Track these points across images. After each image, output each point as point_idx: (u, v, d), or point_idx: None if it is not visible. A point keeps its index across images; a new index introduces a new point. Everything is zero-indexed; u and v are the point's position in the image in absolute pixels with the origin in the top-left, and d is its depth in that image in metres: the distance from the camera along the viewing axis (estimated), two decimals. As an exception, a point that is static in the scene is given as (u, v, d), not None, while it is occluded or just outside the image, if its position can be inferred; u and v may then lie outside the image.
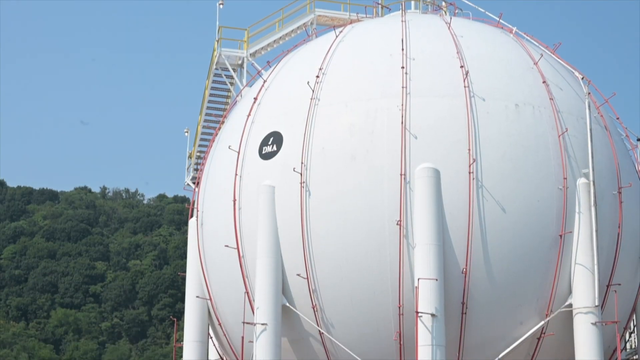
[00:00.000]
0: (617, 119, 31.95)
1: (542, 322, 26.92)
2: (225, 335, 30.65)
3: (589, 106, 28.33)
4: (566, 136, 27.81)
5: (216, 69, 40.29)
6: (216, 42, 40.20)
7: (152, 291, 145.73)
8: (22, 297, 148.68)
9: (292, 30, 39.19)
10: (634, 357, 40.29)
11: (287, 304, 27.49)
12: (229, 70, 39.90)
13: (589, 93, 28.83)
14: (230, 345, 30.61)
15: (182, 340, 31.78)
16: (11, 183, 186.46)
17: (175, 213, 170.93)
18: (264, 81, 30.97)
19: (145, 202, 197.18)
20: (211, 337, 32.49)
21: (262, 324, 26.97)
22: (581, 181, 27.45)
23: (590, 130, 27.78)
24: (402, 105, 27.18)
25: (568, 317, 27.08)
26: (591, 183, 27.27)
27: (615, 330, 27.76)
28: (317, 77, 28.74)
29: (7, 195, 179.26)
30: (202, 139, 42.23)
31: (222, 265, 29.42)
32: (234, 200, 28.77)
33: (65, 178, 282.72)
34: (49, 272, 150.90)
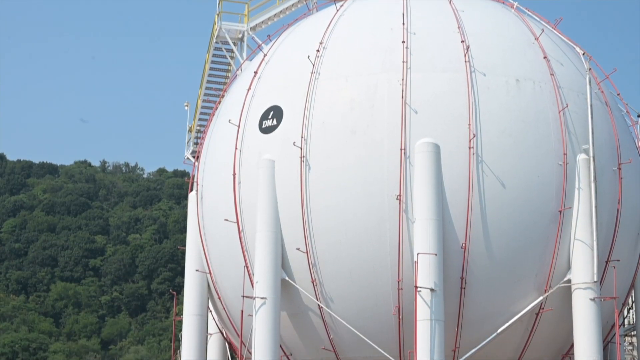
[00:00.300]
0: (618, 95, 31.92)
1: (541, 298, 26.98)
2: (224, 309, 30.74)
3: (590, 82, 28.27)
4: (566, 112, 27.78)
5: (216, 42, 40.15)
6: (216, 16, 40.04)
7: (152, 265, 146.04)
8: (22, 270, 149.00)
9: (292, 4, 38.99)
10: (632, 333, 40.44)
11: (287, 278, 27.55)
12: (229, 44, 39.76)
13: (590, 69, 28.77)
14: (229, 319, 30.69)
15: (182, 314, 31.88)
16: (11, 157, 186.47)
17: (175, 187, 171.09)
18: (264, 55, 30.90)
19: (145, 176, 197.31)
20: (210, 311, 32.60)
21: (262, 298, 27.03)
22: (581, 157, 27.44)
23: (591, 106, 27.73)
24: (403, 79, 27.13)
25: (567, 293, 27.15)
26: (591, 159, 27.26)
27: (614, 306, 27.81)
28: (318, 51, 28.66)
29: (7, 169, 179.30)
30: (202, 113, 42.15)
31: (222, 239, 29.46)
32: (234, 174, 28.77)
33: (65, 152, 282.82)
34: (49, 246, 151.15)
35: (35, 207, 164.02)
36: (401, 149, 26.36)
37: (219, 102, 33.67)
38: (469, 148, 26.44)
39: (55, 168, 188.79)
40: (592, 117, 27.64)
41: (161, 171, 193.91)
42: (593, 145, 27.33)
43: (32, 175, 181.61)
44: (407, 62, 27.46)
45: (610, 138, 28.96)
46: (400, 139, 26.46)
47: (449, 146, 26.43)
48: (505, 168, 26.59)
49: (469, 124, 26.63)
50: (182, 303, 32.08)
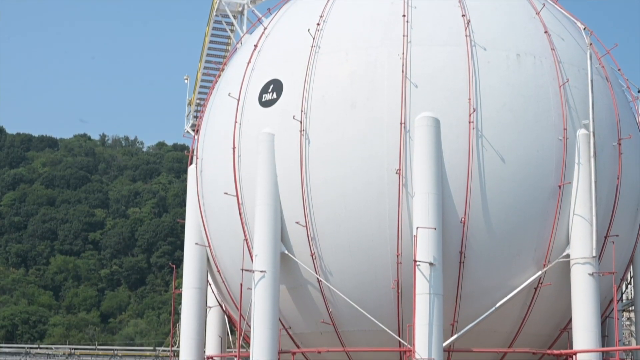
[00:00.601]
0: (619, 70, 31.86)
1: (540, 272, 27.03)
2: (224, 282, 30.80)
3: (591, 57, 28.20)
4: (567, 87, 27.73)
5: (216, 15, 40.02)
6: (217, -11, 39.85)
7: (151, 239, 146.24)
8: (22, 243, 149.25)
9: (293, -22, 38.79)
10: (630, 309, 40.56)
11: (286, 252, 27.58)
12: (229, 17, 39.63)
13: (591, 44, 28.68)
14: (228, 292, 30.76)
15: (181, 287, 31.94)
16: (10, 130, 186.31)
17: (175, 161, 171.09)
18: (265, 28, 30.78)
19: (144, 149, 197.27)
20: (210, 284, 32.66)
21: (261, 271, 27.07)
22: (581, 132, 27.42)
23: (591, 81, 27.69)
24: (403, 53, 27.05)
25: (565, 268, 27.21)
26: (591, 134, 27.24)
27: (612, 281, 27.87)
28: (318, 24, 28.56)
29: (7, 142, 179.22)
30: (202, 86, 42.05)
31: (221, 213, 29.48)
32: (234, 148, 28.74)
33: (64, 125, 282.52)
34: (49, 219, 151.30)
35: (35, 180, 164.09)
36: (401, 123, 26.33)
37: (219, 76, 33.60)
38: (469, 122, 26.41)
39: (54, 141, 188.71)
40: (592, 92, 27.60)
41: (161, 145, 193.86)
42: (593, 121, 27.30)
43: (31, 149, 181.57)
44: (407, 36, 27.37)
45: (610, 113, 28.93)
46: (400, 113, 26.42)
47: (449, 120, 26.39)
48: (505, 143, 26.57)
49: (469, 99, 26.59)
50: (181, 276, 32.15)
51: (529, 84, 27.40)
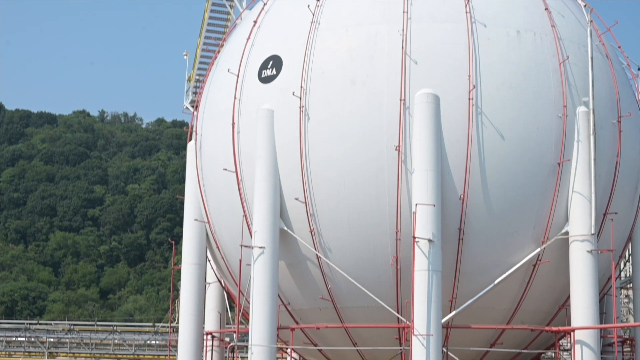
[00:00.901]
0: (619, 47, 31.78)
1: (538, 249, 27.08)
2: (223, 258, 30.84)
3: (591, 34, 28.13)
4: (567, 64, 27.68)
5: (216, -9, 39.91)
6: (217, -36, 39.75)
7: (151, 215, 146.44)
8: (21, 220, 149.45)
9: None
10: (629, 286, 40.66)
11: (285, 228, 27.60)
12: (228, -7, 39.51)
13: (591, 21, 28.60)
14: (228, 268, 30.81)
15: (180, 263, 31.97)
16: (9, 106, 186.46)
17: (174, 137, 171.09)
18: (264, 4, 30.68)
19: (143, 126, 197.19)
20: (209, 260, 32.70)
21: (260, 247, 27.10)
22: (581, 109, 27.40)
23: (592, 58, 27.63)
24: (403, 30, 26.98)
25: (564, 245, 27.25)
26: (591, 111, 27.22)
27: (611, 259, 27.92)
28: (318, 0, 28.45)
29: (5, 118, 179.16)
30: (201, 62, 42.02)
31: (221, 189, 29.48)
32: (233, 124, 28.72)
33: (63, 101, 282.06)
34: (48, 196, 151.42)
35: (34, 156, 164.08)
36: (401, 100, 26.30)
37: (218, 52, 33.50)
38: (469, 99, 26.38)
39: (53, 117, 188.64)
40: (592, 70, 27.56)
41: (160, 121, 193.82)
42: (593, 98, 27.27)
43: (30, 125, 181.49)
44: (407, 12, 27.29)
45: (610, 91, 28.90)
46: (400, 89, 26.39)
47: (448, 97, 26.36)
48: (504, 120, 26.56)
49: (469, 75, 26.54)
50: (180, 252, 32.18)
51: (529, 61, 27.35)
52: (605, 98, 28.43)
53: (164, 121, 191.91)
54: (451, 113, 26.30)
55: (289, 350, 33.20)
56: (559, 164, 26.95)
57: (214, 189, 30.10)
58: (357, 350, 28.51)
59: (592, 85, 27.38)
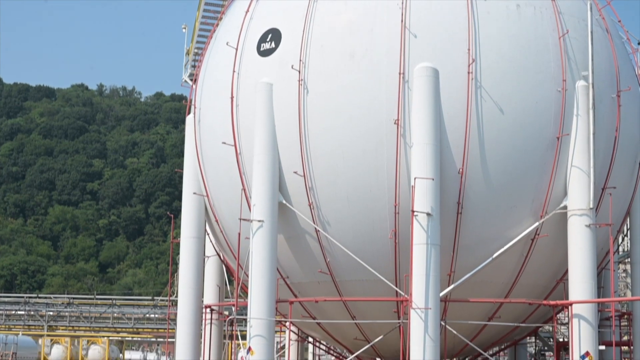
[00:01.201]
0: (619, 22, 31.68)
1: (537, 223, 27.10)
2: (222, 231, 30.87)
3: (591, 8, 28.00)
4: (567, 38, 27.59)
5: (215, -36, 39.69)
6: (215, -64, 39.51)
7: (149, 189, 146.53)
8: (20, 193, 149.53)
9: None
10: (626, 260, 40.75)
11: (284, 201, 27.61)
12: (228, -34, 39.27)
13: (592, -6, 28.49)
14: (226, 242, 30.85)
15: (179, 237, 32.00)
16: (7, 79, 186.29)
17: (173, 111, 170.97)
18: (263, -23, 30.50)
19: (142, 99, 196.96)
20: (208, 234, 32.73)
21: (259, 221, 27.11)
22: (580, 83, 27.34)
23: (591, 32, 27.54)
24: (403, 3, 26.85)
25: (562, 219, 27.27)
26: (590, 86, 27.16)
27: (609, 233, 27.97)
28: (317, -27, 28.31)
29: (4, 92, 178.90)
30: (200, 36, 41.81)
31: (220, 162, 29.47)
32: (232, 97, 28.66)
33: (62, 75, 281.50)
34: (46, 169, 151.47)
35: (33, 130, 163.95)
36: (400, 73, 26.23)
37: (217, 25, 33.39)
38: (468, 73, 26.31)
39: (52, 91, 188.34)
40: (592, 44, 27.47)
41: (159, 95, 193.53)
42: (592, 72, 27.20)
43: (29, 99, 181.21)
44: (407, -15, 27.16)
45: (610, 65, 28.83)
46: (399, 63, 26.31)
47: (447, 71, 26.29)
48: (503, 93, 26.50)
49: (469, 49, 26.46)
50: (179, 226, 32.20)
51: (529, 35, 27.26)
52: (604, 72, 28.37)
53: (162, 95, 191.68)
54: (450, 87, 26.23)
55: (287, 324, 33.29)
56: (557, 138, 26.92)
57: (212, 163, 30.09)
58: (355, 323, 28.61)
59: (592, 60, 27.31)
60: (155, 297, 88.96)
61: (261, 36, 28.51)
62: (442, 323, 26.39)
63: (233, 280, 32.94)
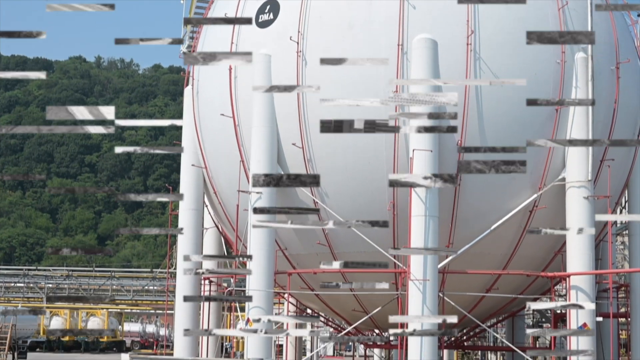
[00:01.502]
0: (619, -7, 31.56)
1: (535, 195, 27.12)
2: (220, 203, 30.86)
3: (590, -21, 27.90)
4: (566, 9, 27.49)
5: None
6: None
7: (148, 161, 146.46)
8: (18, 166, 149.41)
9: None
10: (624, 233, 40.81)
11: (282, 173, 27.52)
12: (225, -63, 39.02)
13: (591, -35, 28.35)
14: (225, 213, 30.84)
15: (178, 209, 32.01)
16: (5, 52, 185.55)
17: (171, 83, 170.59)
18: (261, -52, 30.34)
19: (140, 72, 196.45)
20: (206, 205, 32.72)
21: (257, 193, 27.10)
22: (579, 55, 27.27)
23: (591, 4, 27.43)
24: (401, -26, 26.74)
25: (561, 191, 27.28)
26: (589, 57, 27.10)
27: (607, 205, 27.98)
28: (316, -56, 28.15)
29: (1, 64, 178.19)
30: (198, 7, 41.59)
31: (218, 134, 29.43)
32: (230, 69, 28.57)
33: (59, 47, 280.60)
34: (45, 142, 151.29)
35: (30, 102, 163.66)
36: (398, 45, 26.15)
37: (215, -4, 33.21)
38: (467, 45, 26.24)
39: (50, 63, 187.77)
40: (591, 15, 27.37)
41: (157, 67, 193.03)
42: (592, 44, 27.11)
43: (26, 71, 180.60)
44: (406, -44, 27.03)
45: (609, 37, 28.74)
46: (398, 34, 26.24)
47: (446, 42, 26.22)
48: (502, 65, 26.44)
49: (467, 21, 26.38)
50: (178, 198, 32.13)
51: (528, 6, 27.05)
52: (604, 44, 28.29)
53: (160, 67, 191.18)
54: (449, 58, 26.18)
55: (286, 296, 33.37)
56: (556, 110, 26.88)
57: (211, 135, 30.04)
58: (353, 295, 28.67)
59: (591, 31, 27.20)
60: (154, 269, 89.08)
61: (259, 7, 28.39)
62: (440, 295, 26.46)
63: (231, 252, 32.99)
